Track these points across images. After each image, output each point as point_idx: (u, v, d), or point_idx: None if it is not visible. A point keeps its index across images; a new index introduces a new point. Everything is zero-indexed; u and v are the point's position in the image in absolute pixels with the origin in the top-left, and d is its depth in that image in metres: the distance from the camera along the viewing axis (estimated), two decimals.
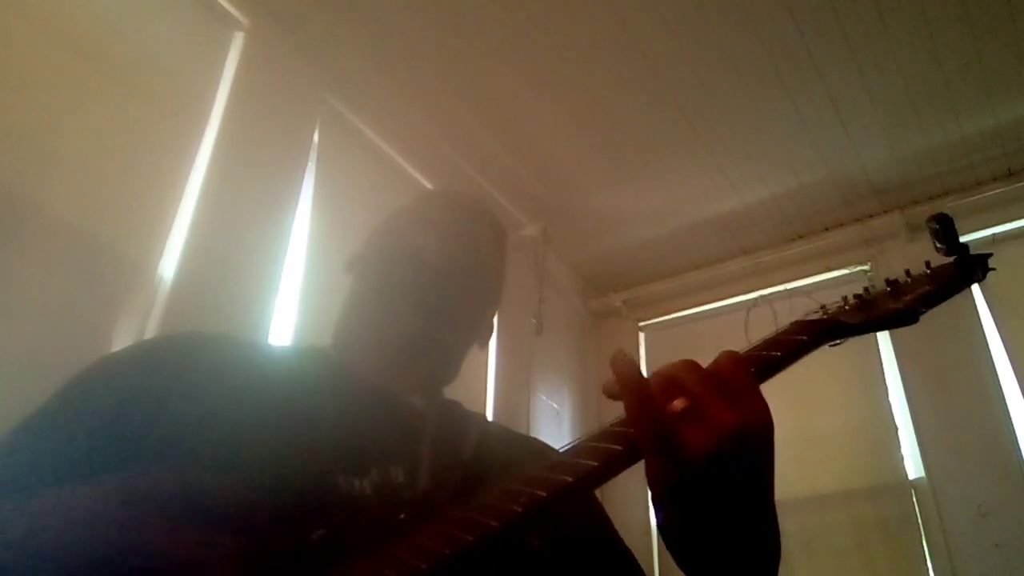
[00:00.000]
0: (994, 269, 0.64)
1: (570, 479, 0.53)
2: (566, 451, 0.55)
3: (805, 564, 2.53)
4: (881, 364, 2.75)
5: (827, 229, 3.05)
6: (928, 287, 0.62)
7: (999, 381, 2.49)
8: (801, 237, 3.09)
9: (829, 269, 3.01)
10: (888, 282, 0.64)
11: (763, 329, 0.61)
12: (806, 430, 2.69)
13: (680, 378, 0.53)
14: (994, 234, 2.72)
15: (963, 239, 0.63)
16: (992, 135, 2.63)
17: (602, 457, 0.53)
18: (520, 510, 0.52)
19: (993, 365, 2.52)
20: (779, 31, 2.27)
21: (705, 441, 0.50)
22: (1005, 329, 2.54)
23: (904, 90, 2.47)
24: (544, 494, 0.52)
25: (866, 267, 2.95)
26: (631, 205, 2.99)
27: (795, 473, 2.51)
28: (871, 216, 2.97)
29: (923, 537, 2.43)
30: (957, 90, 2.46)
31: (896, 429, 2.62)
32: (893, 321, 0.62)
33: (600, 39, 2.33)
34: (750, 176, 2.83)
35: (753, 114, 2.57)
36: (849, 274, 2.98)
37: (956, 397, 2.55)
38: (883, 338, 2.75)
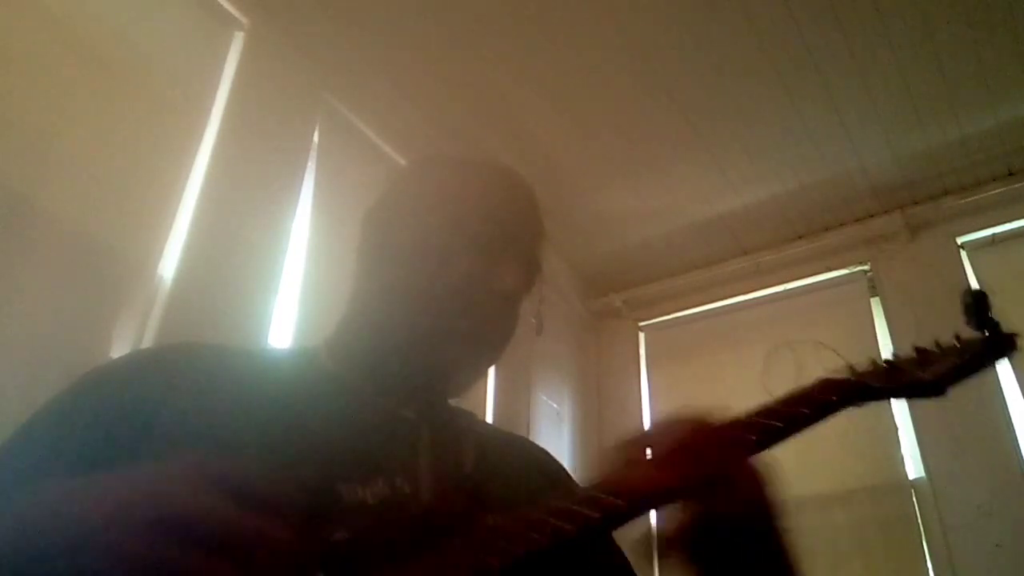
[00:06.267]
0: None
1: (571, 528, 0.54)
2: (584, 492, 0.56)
3: (805, 564, 2.52)
4: None
5: (827, 229, 3.05)
6: (956, 360, 0.62)
7: (999, 381, 2.48)
8: (801, 237, 3.09)
9: (829, 269, 3.01)
10: (917, 350, 0.63)
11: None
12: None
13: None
14: (994, 234, 2.71)
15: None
16: (992, 135, 2.63)
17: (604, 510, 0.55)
18: (546, 542, 0.53)
19: None
20: (779, 31, 2.27)
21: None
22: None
23: (904, 90, 2.47)
24: (571, 529, 0.53)
25: (866, 267, 2.94)
26: (631, 205, 2.99)
27: (795, 473, 2.50)
28: (871, 216, 2.97)
29: (923, 537, 2.42)
30: (957, 90, 2.46)
31: (896, 429, 2.61)
32: (921, 390, 0.62)
33: (600, 39, 2.33)
34: (750, 176, 2.83)
35: (753, 114, 2.57)
36: (849, 274, 2.98)
37: (956, 397, 2.52)
38: (883, 338, 2.75)
